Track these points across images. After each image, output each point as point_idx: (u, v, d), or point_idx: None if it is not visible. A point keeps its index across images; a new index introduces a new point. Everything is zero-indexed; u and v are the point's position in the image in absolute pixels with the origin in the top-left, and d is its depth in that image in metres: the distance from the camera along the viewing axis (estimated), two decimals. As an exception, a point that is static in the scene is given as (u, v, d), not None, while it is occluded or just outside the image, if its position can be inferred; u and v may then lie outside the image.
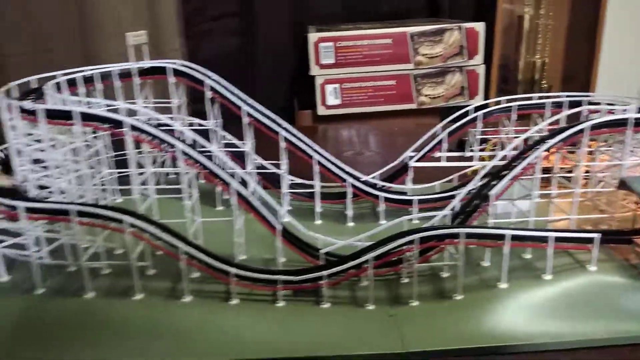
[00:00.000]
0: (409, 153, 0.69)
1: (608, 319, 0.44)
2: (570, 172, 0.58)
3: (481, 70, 1.34)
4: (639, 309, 0.45)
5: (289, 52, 1.62)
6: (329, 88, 1.31)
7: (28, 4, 1.55)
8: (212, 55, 1.60)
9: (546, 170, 0.55)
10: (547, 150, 0.47)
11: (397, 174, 0.69)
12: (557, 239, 0.46)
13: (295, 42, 1.59)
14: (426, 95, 1.31)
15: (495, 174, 0.51)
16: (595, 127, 0.48)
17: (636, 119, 0.48)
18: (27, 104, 0.47)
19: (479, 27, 1.30)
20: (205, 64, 0.66)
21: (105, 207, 0.44)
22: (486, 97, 1.44)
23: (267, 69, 1.61)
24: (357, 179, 0.66)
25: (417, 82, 1.30)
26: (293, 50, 1.61)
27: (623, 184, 0.48)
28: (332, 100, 1.32)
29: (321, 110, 1.33)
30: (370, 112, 1.32)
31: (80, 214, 0.44)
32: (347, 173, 0.65)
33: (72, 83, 0.57)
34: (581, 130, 0.48)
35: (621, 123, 0.49)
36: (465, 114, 0.66)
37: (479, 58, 1.32)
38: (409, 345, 0.42)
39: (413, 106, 1.31)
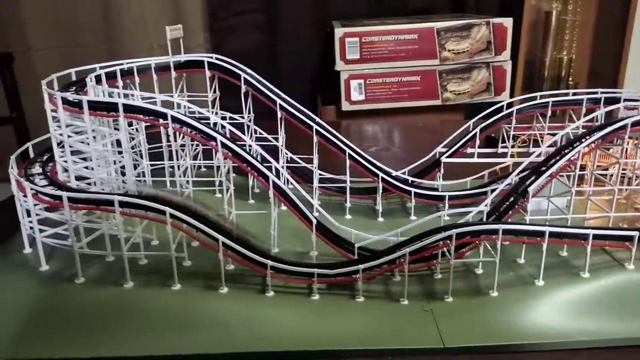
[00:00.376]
0: (439, 149, 0.68)
1: (647, 319, 0.44)
2: (606, 169, 0.57)
3: (508, 67, 1.32)
4: (680, 309, 0.45)
5: (312, 48, 1.61)
6: (354, 83, 1.30)
7: (58, 3, 1.58)
8: (236, 50, 1.61)
9: (581, 167, 0.54)
10: (588, 147, 0.47)
11: (428, 170, 0.69)
12: (596, 237, 0.46)
13: (318, 38, 1.59)
14: (451, 92, 1.30)
15: (533, 171, 0.50)
16: (636, 123, 0.47)
17: (679, 116, 0.47)
18: (71, 95, 0.48)
19: (508, 22, 1.28)
20: (230, 59, 0.66)
21: (147, 197, 0.44)
22: (512, 94, 1.42)
23: (290, 65, 1.62)
24: (389, 174, 0.66)
25: (443, 78, 1.29)
26: (316, 45, 1.61)
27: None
28: (356, 95, 1.31)
29: (345, 106, 1.32)
30: (395, 108, 1.31)
31: (122, 204, 0.44)
32: (379, 168, 0.65)
33: (109, 76, 0.58)
34: (623, 127, 0.47)
35: (663, 120, 0.48)
36: (498, 110, 0.66)
37: (506, 54, 1.30)
38: (447, 340, 0.42)
39: (438, 102, 1.30)
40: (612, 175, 0.58)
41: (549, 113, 0.63)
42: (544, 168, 0.48)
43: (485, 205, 0.51)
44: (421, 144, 0.69)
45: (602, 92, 0.62)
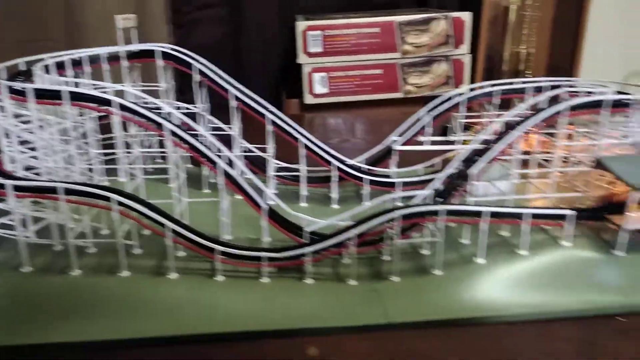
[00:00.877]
0: (393, 137, 0.70)
1: (581, 292, 0.46)
2: (549, 154, 0.60)
3: (467, 60, 1.35)
4: (610, 282, 0.47)
5: (277, 41, 1.62)
6: (317, 77, 1.31)
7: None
8: (200, 44, 1.60)
9: (526, 153, 0.57)
10: (525, 131, 0.49)
11: (382, 158, 0.71)
12: (533, 216, 0.48)
13: (283, 31, 1.60)
14: (412, 84, 1.33)
15: (477, 156, 0.52)
16: (572, 108, 0.50)
17: (614, 100, 0.50)
18: (16, 84, 0.47)
19: (466, 16, 1.31)
20: (193, 52, 0.66)
21: (93, 185, 0.44)
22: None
23: (255, 58, 1.62)
24: (343, 162, 0.67)
25: (404, 71, 1.32)
26: (281, 39, 1.61)
27: (599, 164, 0.50)
28: (319, 88, 1.32)
29: (309, 99, 1.33)
30: (357, 100, 1.33)
31: (68, 192, 0.44)
32: (333, 157, 0.67)
33: (60, 66, 0.58)
34: (559, 112, 0.49)
35: (597, 104, 0.50)
36: (449, 99, 0.68)
37: (464, 47, 1.33)
38: (392, 317, 0.44)
39: (399, 95, 1.32)
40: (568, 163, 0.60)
41: (496, 101, 0.65)
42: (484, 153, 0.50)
43: (433, 190, 0.53)
44: (383, 136, 0.71)
45: (546, 81, 0.65)
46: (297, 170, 0.67)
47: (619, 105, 0.50)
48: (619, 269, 0.48)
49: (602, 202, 0.54)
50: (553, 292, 0.46)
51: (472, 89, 0.66)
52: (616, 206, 0.50)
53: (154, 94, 0.63)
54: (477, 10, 1.58)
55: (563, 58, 1.71)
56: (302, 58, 1.31)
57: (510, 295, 0.46)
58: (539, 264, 0.49)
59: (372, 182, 0.66)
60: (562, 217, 0.49)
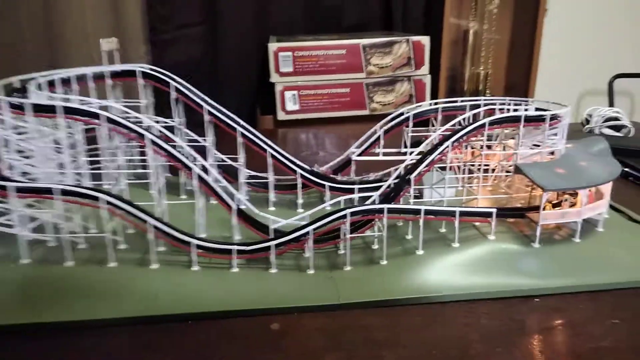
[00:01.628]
0: (352, 149, 0.79)
1: (503, 277, 0.55)
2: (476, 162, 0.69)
3: (427, 80, 1.46)
4: (527, 269, 0.56)
5: (251, 61, 1.70)
6: (288, 94, 1.40)
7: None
8: (176, 62, 1.67)
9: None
10: (454, 142, 0.58)
11: (343, 167, 0.79)
12: (462, 214, 0.57)
13: (257, 51, 1.68)
14: (377, 102, 1.42)
15: (417, 164, 0.61)
16: (491, 123, 0.59)
17: (527, 116, 0.60)
18: (16, 99, 0.54)
19: (425, 40, 1.42)
20: (170, 70, 0.74)
21: (84, 187, 0.51)
22: (433, 105, 1.57)
23: (230, 76, 1.70)
24: (306, 170, 0.75)
25: (369, 90, 1.41)
26: (255, 58, 1.69)
27: (517, 170, 0.59)
28: (291, 105, 1.41)
29: (281, 115, 1.42)
30: (326, 117, 1.42)
31: (63, 192, 0.51)
32: (297, 165, 0.75)
33: (51, 84, 0.65)
34: (482, 125, 0.59)
35: (515, 119, 0.60)
36: (400, 115, 0.77)
37: (425, 69, 1.44)
38: (344, 298, 0.52)
39: (366, 112, 1.42)
40: (493, 169, 0.70)
41: (439, 117, 0.74)
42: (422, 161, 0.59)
43: (379, 195, 0.62)
44: (349, 149, 0.79)
45: (484, 100, 0.75)
46: (265, 178, 0.75)
47: (533, 120, 0.60)
48: (535, 258, 0.57)
49: (524, 203, 0.63)
50: (480, 277, 0.55)
51: (418, 107, 0.76)
52: (534, 205, 0.60)
53: (135, 109, 0.71)
54: (439, 34, 1.70)
55: (519, 78, 1.84)
56: (274, 77, 1.39)
57: (444, 279, 0.54)
58: (469, 254, 0.57)
59: (332, 188, 0.74)
60: (487, 214, 0.58)
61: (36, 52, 1.65)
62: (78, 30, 1.67)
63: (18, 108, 0.54)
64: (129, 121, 0.56)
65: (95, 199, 0.51)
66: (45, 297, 0.50)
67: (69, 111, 0.54)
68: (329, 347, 0.46)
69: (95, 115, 0.53)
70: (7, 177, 0.55)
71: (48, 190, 0.51)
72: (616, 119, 1.14)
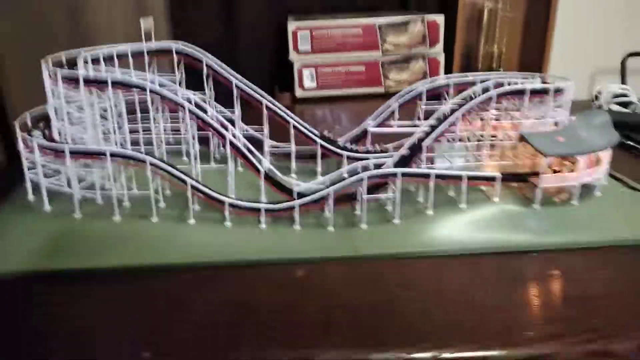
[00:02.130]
0: (368, 121, 0.84)
1: (504, 234, 0.61)
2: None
3: (441, 58, 1.49)
4: (528, 227, 0.61)
5: (268, 39, 1.75)
6: (306, 72, 1.45)
7: (24, 5, 1.67)
8: (197, 42, 1.73)
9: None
10: (463, 114, 0.63)
11: (359, 139, 0.85)
12: (469, 177, 0.62)
13: (275, 31, 1.73)
14: (392, 80, 1.47)
15: (428, 133, 0.66)
16: (500, 94, 0.64)
17: (532, 89, 0.64)
18: (68, 71, 0.61)
19: (439, 19, 1.45)
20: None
21: (131, 151, 0.58)
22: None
23: (249, 55, 1.75)
24: (326, 141, 0.81)
25: (384, 67, 1.46)
26: (273, 38, 1.74)
27: (521, 138, 0.64)
28: (308, 83, 1.46)
29: (299, 92, 1.47)
30: (343, 94, 1.47)
31: (113, 155, 0.58)
32: (317, 136, 0.80)
33: (94, 59, 0.71)
34: (490, 97, 0.64)
35: (520, 92, 0.65)
36: (413, 90, 0.82)
37: (439, 47, 1.48)
38: (360, 251, 0.58)
39: (381, 89, 1.46)
40: (500, 139, 0.75)
41: (451, 91, 0.79)
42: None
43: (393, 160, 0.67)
44: (365, 121, 0.85)
45: (494, 75, 0.79)
46: (287, 148, 0.81)
47: (537, 92, 0.65)
48: (535, 218, 0.63)
49: (529, 169, 0.68)
50: (483, 234, 0.61)
51: (432, 81, 0.81)
52: (536, 171, 0.65)
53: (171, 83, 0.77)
54: (454, 12, 1.73)
55: (533, 56, 1.86)
56: (292, 55, 1.44)
57: (451, 235, 0.60)
58: (474, 215, 0.63)
59: (349, 158, 0.80)
60: (492, 178, 0.63)
61: (64, 36, 1.72)
62: (104, 13, 1.73)
63: (71, 80, 0.60)
64: (170, 92, 0.62)
65: (142, 161, 0.58)
66: (98, 247, 0.57)
67: (117, 83, 0.60)
68: (348, 290, 0.53)
69: (141, 87, 0.60)
70: (60, 141, 0.62)
71: (100, 153, 0.58)
72: (624, 95, 1.17)
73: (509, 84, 0.74)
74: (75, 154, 0.58)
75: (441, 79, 0.81)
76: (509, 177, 0.65)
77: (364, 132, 0.84)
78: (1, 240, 0.58)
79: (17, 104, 1.75)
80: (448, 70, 1.67)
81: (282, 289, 0.53)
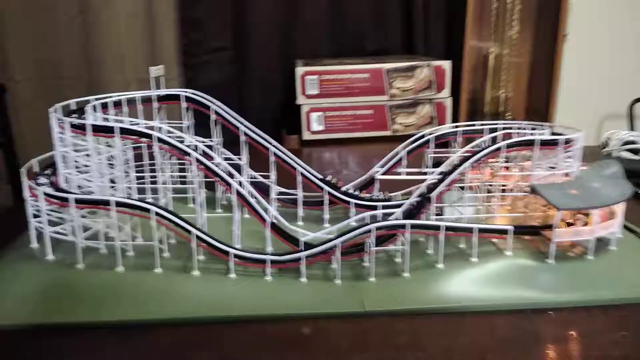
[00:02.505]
0: (376, 168, 0.83)
1: (519, 290, 0.59)
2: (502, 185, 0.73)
3: (448, 103, 1.50)
4: (542, 283, 0.60)
5: (277, 83, 1.78)
6: (314, 116, 1.46)
7: (38, 36, 1.71)
8: (207, 84, 1.76)
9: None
10: (473, 163, 0.62)
11: (366, 185, 0.84)
12: (480, 230, 0.61)
13: (284, 75, 1.76)
14: (400, 124, 1.47)
15: (437, 183, 0.65)
16: (510, 145, 0.63)
17: (542, 140, 0.64)
18: (76, 120, 0.61)
19: (446, 64, 1.47)
20: (201, 92, 0.80)
21: (136, 199, 0.57)
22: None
23: (258, 98, 1.77)
24: (333, 188, 0.80)
25: (392, 111, 1.47)
26: (282, 81, 1.77)
27: (533, 190, 0.63)
28: (316, 126, 1.47)
29: (306, 135, 1.48)
30: (350, 137, 1.47)
31: (118, 204, 0.57)
32: (325, 182, 0.80)
33: (104, 106, 0.71)
34: (499, 148, 0.63)
35: (530, 143, 0.64)
36: (421, 137, 0.82)
37: (446, 92, 1.49)
38: (368, 307, 0.56)
39: (388, 133, 1.47)
40: (510, 189, 0.74)
41: (459, 139, 0.79)
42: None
43: (402, 211, 0.66)
44: (371, 168, 0.84)
45: (502, 123, 0.79)
46: (294, 194, 0.80)
47: (547, 144, 0.64)
48: (549, 273, 0.61)
49: (540, 222, 0.67)
50: (497, 290, 0.59)
51: (439, 129, 0.80)
52: (549, 224, 0.63)
53: (177, 129, 0.77)
54: (460, 58, 1.75)
55: (540, 101, 1.87)
56: (300, 99, 1.46)
57: (463, 291, 0.58)
58: (487, 269, 0.61)
59: (357, 205, 0.79)
60: (504, 231, 0.62)
61: (74, 76, 1.76)
62: (114, 54, 1.77)
63: (79, 128, 0.60)
64: (176, 140, 0.62)
65: (147, 210, 0.57)
66: (99, 300, 0.56)
67: (124, 131, 0.60)
68: (355, 348, 0.51)
69: (148, 136, 0.59)
70: (66, 190, 0.62)
71: (105, 202, 0.57)
72: (634, 142, 1.16)
73: (517, 134, 0.74)
74: (80, 203, 0.58)
75: (448, 127, 0.81)
76: (521, 230, 0.64)
77: (372, 179, 0.84)
78: (1, 290, 0.57)
79: (29, 148, 1.77)
80: (455, 114, 1.67)
81: (286, 348, 0.51)
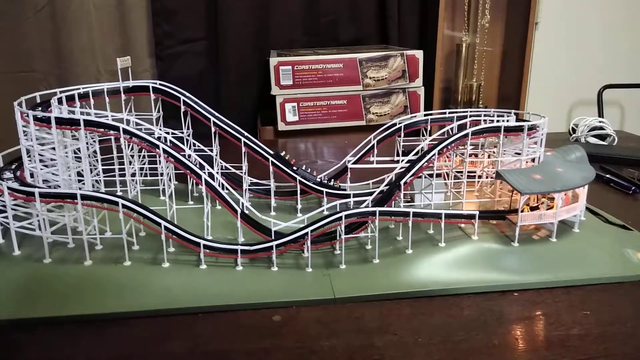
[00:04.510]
0: (348, 157, 0.84)
1: (484, 273, 0.60)
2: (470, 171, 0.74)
3: (421, 92, 1.52)
4: (507, 266, 0.61)
5: (253, 74, 1.77)
6: (288, 106, 1.46)
7: (9, 31, 1.67)
8: (181, 75, 1.74)
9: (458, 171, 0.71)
10: (440, 151, 0.63)
11: (339, 175, 0.85)
12: (447, 216, 0.62)
13: (259, 65, 1.75)
14: (374, 113, 1.48)
15: (406, 171, 0.66)
16: (475, 132, 0.64)
17: (506, 126, 0.65)
18: (40, 113, 0.60)
19: (419, 54, 1.48)
20: (175, 83, 0.79)
21: (103, 192, 0.56)
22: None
23: (233, 89, 1.76)
24: (305, 178, 0.81)
25: (366, 101, 1.47)
26: (256, 72, 1.76)
27: (498, 176, 0.64)
28: (290, 117, 1.47)
29: (281, 126, 1.48)
30: (325, 127, 1.47)
31: (85, 197, 0.57)
32: (297, 173, 0.80)
33: (69, 99, 0.70)
34: (466, 135, 0.64)
35: (496, 129, 0.65)
36: (392, 126, 0.82)
37: (419, 81, 1.50)
38: (338, 293, 0.57)
39: (362, 123, 1.48)
40: (478, 176, 0.75)
41: (429, 128, 0.80)
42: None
43: (372, 199, 0.67)
44: (345, 157, 0.85)
45: (470, 111, 0.80)
46: (267, 185, 0.81)
47: (512, 130, 0.65)
48: (514, 256, 0.62)
49: (506, 206, 0.68)
50: (463, 273, 0.60)
51: (411, 118, 0.81)
52: (514, 209, 0.65)
53: (147, 121, 0.76)
54: (433, 47, 1.77)
55: (511, 89, 1.90)
56: (274, 90, 1.45)
57: (430, 275, 0.60)
58: (454, 253, 0.62)
59: (329, 194, 0.80)
60: (471, 216, 0.63)
61: (44, 68, 1.72)
62: (85, 46, 1.74)
63: (43, 121, 0.60)
64: (143, 132, 0.61)
65: (115, 203, 0.57)
66: (67, 293, 0.55)
67: (90, 124, 0.59)
68: (325, 334, 0.51)
69: (115, 128, 0.59)
70: (31, 184, 0.61)
71: (71, 196, 0.56)
72: (601, 128, 1.19)
73: (484, 122, 0.75)
74: (45, 197, 0.57)
75: (419, 115, 0.82)
76: (487, 215, 0.65)
77: (345, 168, 0.84)
78: (-34, 287, 0.56)
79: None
80: (428, 103, 1.69)
81: (258, 335, 0.52)
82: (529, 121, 0.69)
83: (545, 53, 2.03)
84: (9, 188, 0.58)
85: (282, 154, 0.80)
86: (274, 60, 1.43)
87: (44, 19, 1.70)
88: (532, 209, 0.65)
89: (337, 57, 1.45)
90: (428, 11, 1.82)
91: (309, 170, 0.82)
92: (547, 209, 0.65)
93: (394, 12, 1.77)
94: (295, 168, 0.80)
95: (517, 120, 0.73)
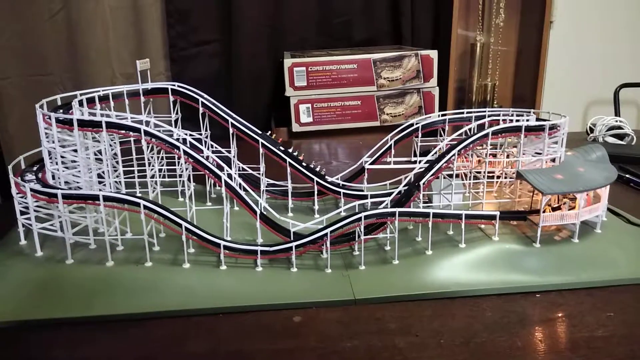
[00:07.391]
0: (365, 158, 0.84)
1: (505, 274, 0.59)
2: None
3: (436, 92, 1.51)
4: (529, 267, 0.60)
5: (267, 75, 1.77)
6: (302, 107, 1.46)
7: (25, 34, 1.69)
8: (195, 77, 1.75)
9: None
10: (459, 151, 0.63)
11: (356, 176, 0.84)
12: (467, 216, 0.62)
13: (272, 66, 1.75)
14: (388, 114, 1.48)
15: (425, 171, 0.66)
16: (496, 132, 0.64)
17: (527, 126, 0.64)
18: (62, 115, 0.60)
19: (433, 54, 1.48)
20: (189, 85, 0.79)
21: (125, 194, 0.57)
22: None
23: (246, 91, 1.76)
24: (322, 179, 0.81)
25: (380, 102, 1.47)
26: (271, 73, 1.76)
27: (519, 175, 0.64)
28: (305, 118, 1.47)
29: (295, 127, 1.48)
30: (339, 128, 1.47)
31: (107, 199, 0.57)
32: (314, 173, 0.80)
33: (89, 101, 0.71)
34: (485, 135, 0.64)
35: (516, 129, 0.65)
36: (410, 126, 0.82)
37: (433, 81, 1.50)
38: (357, 294, 0.57)
39: (376, 123, 1.47)
40: (498, 176, 0.75)
41: (447, 128, 0.79)
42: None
43: (391, 200, 0.67)
44: (360, 159, 0.85)
45: (489, 111, 0.80)
46: (284, 186, 0.81)
47: (533, 130, 0.65)
48: (536, 257, 0.62)
49: (527, 207, 0.67)
50: (484, 274, 0.59)
51: (427, 118, 0.81)
52: (535, 209, 0.64)
53: (165, 123, 0.77)
54: (447, 47, 1.76)
55: (526, 88, 1.88)
56: (289, 91, 1.45)
57: (451, 277, 0.59)
58: (474, 254, 0.62)
59: (347, 195, 0.79)
60: (491, 217, 0.63)
61: (61, 72, 1.74)
62: (100, 48, 1.75)
63: (65, 123, 0.60)
64: (163, 134, 0.62)
65: (137, 204, 0.57)
66: (89, 294, 0.56)
67: (111, 126, 0.60)
68: (346, 335, 0.51)
69: (136, 130, 0.59)
70: (53, 186, 0.61)
71: (93, 197, 0.57)
72: (619, 127, 1.18)
73: (503, 121, 0.74)
74: (68, 198, 0.57)
75: (436, 115, 0.82)
76: (507, 216, 0.64)
77: (362, 169, 0.84)
78: (-10, 287, 0.56)
79: (16, 145, 1.75)
80: (443, 103, 1.68)
81: (278, 336, 0.52)
82: (549, 120, 0.68)
83: (560, 52, 2.01)
84: (32, 190, 0.58)
85: (296, 153, 0.80)
86: (288, 62, 1.43)
87: (59, 22, 1.72)
88: (554, 209, 0.65)
89: (351, 58, 1.44)
90: (441, 11, 1.81)
91: (323, 171, 0.82)
92: (569, 210, 0.64)
93: (408, 12, 1.77)
94: (312, 165, 0.80)
95: (537, 119, 0.72)
